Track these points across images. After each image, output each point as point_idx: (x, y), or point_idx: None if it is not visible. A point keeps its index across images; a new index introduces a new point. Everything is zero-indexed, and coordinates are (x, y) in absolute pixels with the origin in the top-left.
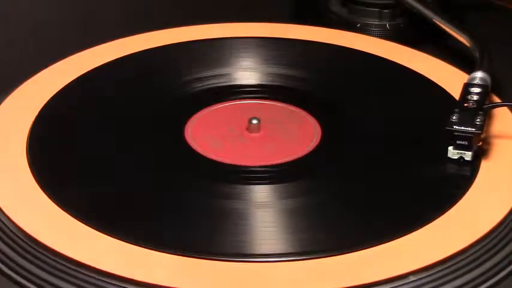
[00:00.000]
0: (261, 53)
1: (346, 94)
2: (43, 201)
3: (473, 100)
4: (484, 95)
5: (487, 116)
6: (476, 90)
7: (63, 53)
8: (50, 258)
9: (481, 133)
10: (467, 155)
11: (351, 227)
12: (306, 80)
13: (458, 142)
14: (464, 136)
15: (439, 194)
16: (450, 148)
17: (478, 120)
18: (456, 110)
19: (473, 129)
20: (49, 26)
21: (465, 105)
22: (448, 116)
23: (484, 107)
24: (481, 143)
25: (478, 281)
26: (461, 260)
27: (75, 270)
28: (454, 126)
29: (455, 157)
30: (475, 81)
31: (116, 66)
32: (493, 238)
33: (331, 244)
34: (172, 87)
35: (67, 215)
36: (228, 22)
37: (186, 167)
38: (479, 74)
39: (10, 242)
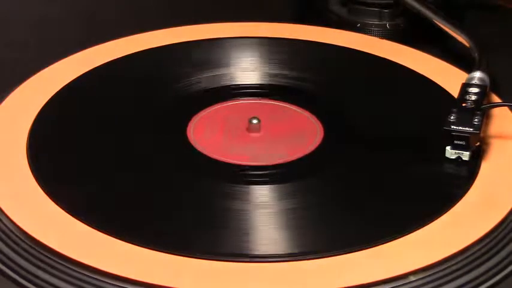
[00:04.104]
0: (261, 53)
1: (346, 94)
2: (43, 201)
3: (471, 100)
4: (482, 95)
5: (486, 116)
6: (475, 90)
7: (63, 53)
8: (49, 258)
9: (479, 133)
10: (465, 155)
11: (351, 227)
12: (306, 80)
13: (456, 142)
14: (462, 136)
15: (439, 194)
16: (448, 148)
17: (476, 120)
18: (454, 110)
19: (471, 129)
20: (49, 25)
21: (463, 105)
22: (446, 116)
23: (482, 107)
24: (479, 143)
25: (478, 281)
26: (461, 260)
27: (75, 270)
28: (452, 126)
29: (453, 157)
30: (474, 81)
31: (116, 66)
32: (493, 238)
33: (331, 244)
34: (172, 87)
35: (67, 214)
36: (228, 22)
37: (187, 166)
38: (477, 74)
39: (10, 242)
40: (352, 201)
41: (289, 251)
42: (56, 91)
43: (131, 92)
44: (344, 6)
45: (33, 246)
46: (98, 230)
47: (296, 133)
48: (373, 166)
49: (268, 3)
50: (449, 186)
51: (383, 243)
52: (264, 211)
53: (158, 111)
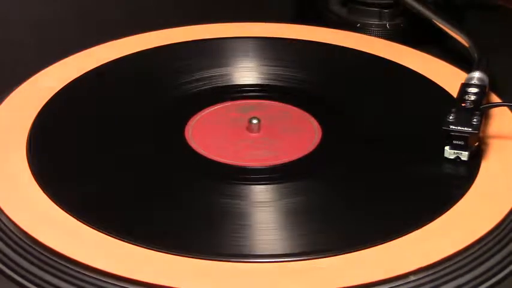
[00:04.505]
0: (261, 53)
1: (346, 94)
2: (43, 201)
3: (470, 100)
4: (481, 95)
5: (485, 116)
6: (474, 90)
7: (63, 53)
8: (49, 258)
9: (478, 133)
10: (464, 155)
11: (351, 227)
12: (306, 80)
13: (454, 142)
14: (460, 136)
15: (439, 194)
16: (447, 148)
17: (474, 120)
18: (453, 109)
19: (470, 129)
20: (49, 25)
21: (462, 105)
22: (445, 115)
23: (481, 107)
24: (478, 143)
25: (478, 280)
26: (461, 260)
27: (75, 270)
28: (451, 126)
29: (452, 157)
30: (473, 81)
31: (116, 66)
32: (493, 238)
33: (331, 244)
34: (172, 87)
35: (67, 214)
36: (228, 22)
37: (186, 167)
38: (476, 74)
39: (10, 242)
40: (351, 201)
41: (289, 251)
42: (56, 91)
43: (131, 92)
44: (344, 6)
45: (33, 246)
46: (98, 230)
47: (296, 133)
48: (373, 166)
49: (268, 3)
50: (449, 186)
51: (383, 243)
52: (264, 211)
53: (158, 111)
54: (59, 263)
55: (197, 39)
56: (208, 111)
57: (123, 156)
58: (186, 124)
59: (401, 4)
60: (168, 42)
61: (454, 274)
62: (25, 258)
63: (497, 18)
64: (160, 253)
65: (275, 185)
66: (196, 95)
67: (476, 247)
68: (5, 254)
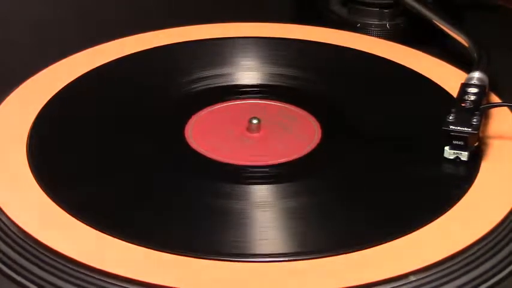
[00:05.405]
0: (261, 53)
1: (346, 94)
2: (43, 201)
3: (470, 100)
4: (481, 95)
5: (485, 116)
6: (474, 90)
7: (63, 53)
8: (50, 258)
9: (477, 133)
10: (464, 155)
11: (351, 227)
12: (306, 80)
13: (454, 142)
14: (460, 136)
15: (439, 194)
16: (446, 148)
17: (474, 120)
18: (453, 110)
19: (470, 129)
20: (49, 25)
21: (462, 105)
22: (445, 115)
23: (481, 107)
24: (477, 143)
25: (478, 281)
26: (461, 260)
27: (75, 270)
28: (451, 126)
29: (452, 157)
30: (473, 82)
31: (116, 66)
32: (493, 238)
33: (331, 244)
34: (172, 87)
35: (67, 214)
36: (228, 22)
37: (186, 167)
38: (476, 74)
39: (10, 242)
40: (351, 201)
41: (288, 251)
42: (56, 91)
43: (131, 92)
44: (344, 6)
45: (33, 245)
46: (98, 230)
47: (296, 133)
48: (373, 166)
49: (268, 3)
50: (448, 187)
51: (383, 243)
52: (264, 211)
53: (158, 111)
54: (59, 263)
55: (197, 39)
56: (208, 111)
57: (123, 156)
58: (186, 124)
59: (401, 4)
60: (168, 42)
61: (454, 274)
62: (25, 258)
63: (497, 18)
64: (161, 253)
65: (275, 185)
66: (196, 95)
67: (476, 247)
68: (5, 254)
